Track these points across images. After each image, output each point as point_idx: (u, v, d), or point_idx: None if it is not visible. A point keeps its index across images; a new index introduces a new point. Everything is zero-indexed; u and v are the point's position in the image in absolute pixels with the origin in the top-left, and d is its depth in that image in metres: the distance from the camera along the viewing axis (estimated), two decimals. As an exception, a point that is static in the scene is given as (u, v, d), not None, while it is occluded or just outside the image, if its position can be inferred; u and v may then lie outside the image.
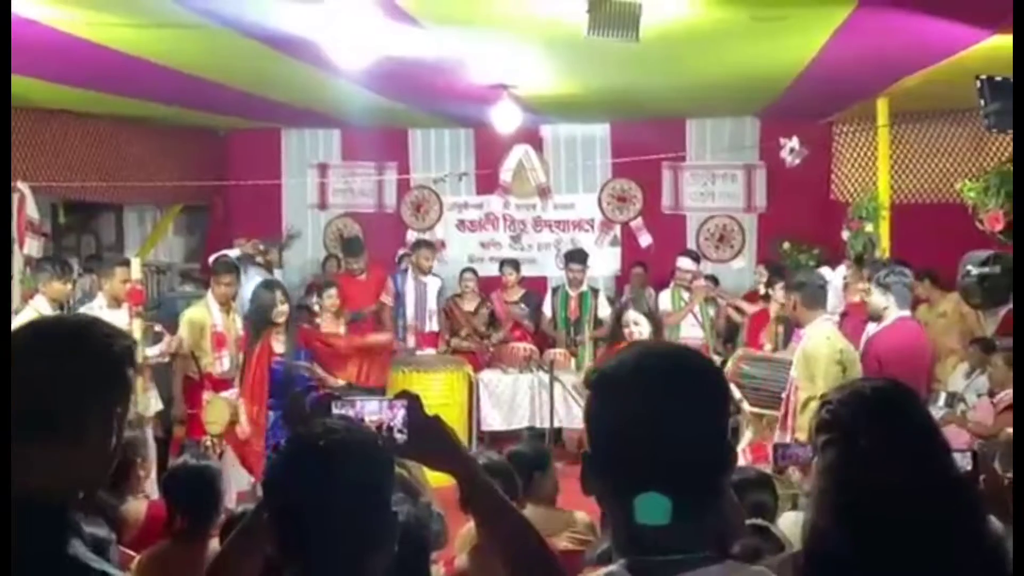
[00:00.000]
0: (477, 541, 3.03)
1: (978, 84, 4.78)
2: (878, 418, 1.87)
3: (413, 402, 1.71)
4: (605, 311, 8.47)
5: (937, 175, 8.81)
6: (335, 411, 1.72)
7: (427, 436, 1.71)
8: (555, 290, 8.84)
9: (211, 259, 8.20)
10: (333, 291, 7.91)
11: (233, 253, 8.55)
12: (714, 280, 9.14)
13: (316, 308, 8.05)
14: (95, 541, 1.90)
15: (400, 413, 1.69)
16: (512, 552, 1.72)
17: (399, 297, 8.71)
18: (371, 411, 1.69)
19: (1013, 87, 4.59)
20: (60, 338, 1.56)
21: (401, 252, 9.78)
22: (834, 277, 7.89)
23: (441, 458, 1.76)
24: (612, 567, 1.31)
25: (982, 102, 4.81)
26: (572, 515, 3.77)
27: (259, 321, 6.41)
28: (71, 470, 1.49)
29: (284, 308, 6.31)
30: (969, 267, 4.91)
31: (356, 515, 1.47)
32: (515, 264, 9.19)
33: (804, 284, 5.16)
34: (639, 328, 5.66)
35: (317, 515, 1.46)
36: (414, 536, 2.21)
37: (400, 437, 1.67)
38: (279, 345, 6.38)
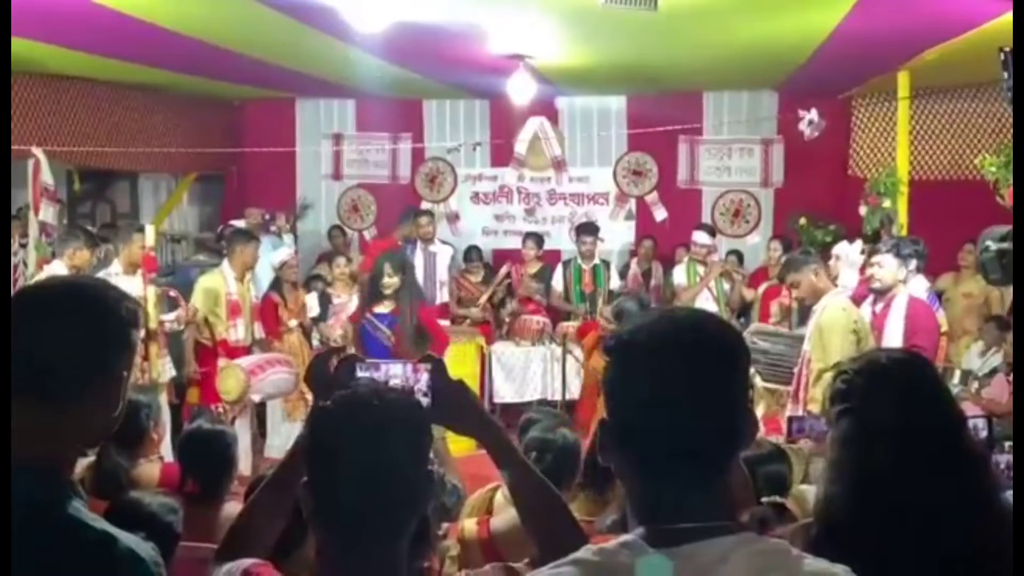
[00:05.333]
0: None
1: (1001, 56, 4.69)
2: (893, 388, 1.86)
3: (438, 366, 1.71)
4: (616, 283, 8.48)
5: (957, 150, 8.72)
6: (359, 373, 1.71)
7: (452, 400, 1.71)
8: (567, 263, 8.80)
9: (225, 230, 8.23)
10: (342, 260, 8.01)
11: (240, 224, 8.59)
12: (738, 257, 9.10)
13: (328, 278, 8.13)
14: None
15: (424, 377, 1.68)
16: (537, 516, 1.74)
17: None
18: (395, 374, 1.68)
19: (1013, 73, 4.51)
20: (69, 299, 1.53)
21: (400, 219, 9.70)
22: (851, 251, 7.84)
23: (466, 423, 1.76)
24: (628, 536, 1.30)
25: (1005, 75, 4.72)
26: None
27: (372, 289, 6.41)
28: (74, 431, 1.49)
29: (391, 280, 6.28)
30: (988, 242, 4.83)
31: (405, 474, 1.46)
32: (537, 238, 9.17)
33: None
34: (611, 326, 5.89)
35: (367, 472, 1.43)
36: None
37: (424, 401, 1.66)
38: (382, 307, 6.29)
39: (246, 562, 1.61)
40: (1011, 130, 7.83)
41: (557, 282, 8.74)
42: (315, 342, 7.82)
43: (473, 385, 7.88)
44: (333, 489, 1.45)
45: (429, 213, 9.20)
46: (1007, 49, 4.64)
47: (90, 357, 1.49)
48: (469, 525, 3.06)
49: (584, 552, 1.30)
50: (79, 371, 1.47)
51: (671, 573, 1.23)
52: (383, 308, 6.28)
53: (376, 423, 1.46)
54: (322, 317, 7.75)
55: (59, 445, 1.47)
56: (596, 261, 8.59)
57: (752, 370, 6.14)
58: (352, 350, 6.47)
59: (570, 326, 8.33)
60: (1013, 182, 5.10)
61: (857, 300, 5.55)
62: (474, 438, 1.76)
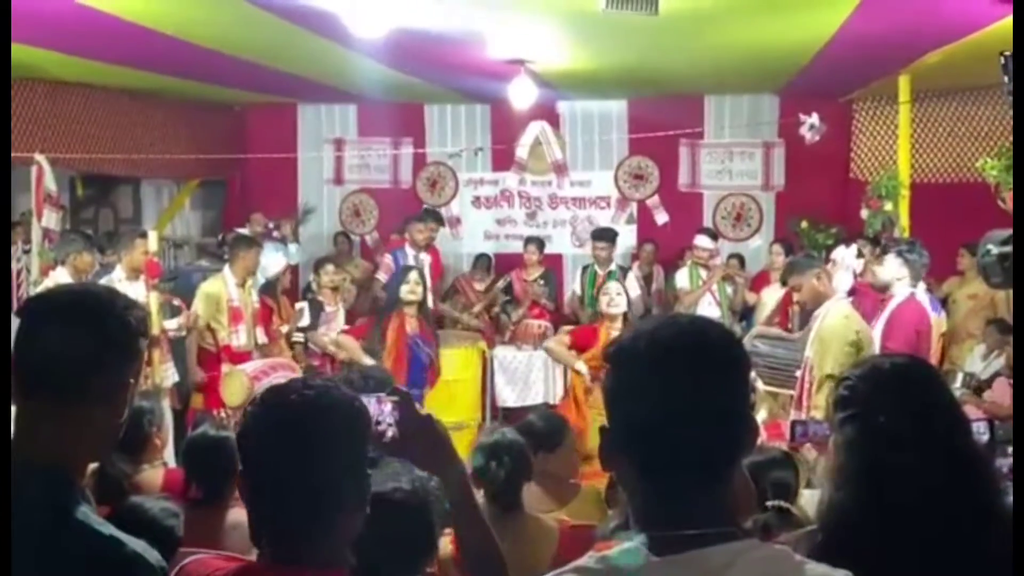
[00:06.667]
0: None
1: (1002, 60, 4.69)
2: (897, 393, 1.87)
3: (404, 399, 1.70)
4: (635, 291, 8.40)
5: (958, 153, 8.73)
6: None
7: (419, 436, 1.71)
8: (585, 268, 8.78)
9: (228, 236, 8.23)
10: (330, 267, 7.99)
11: (244, 231, 8.60)
12: (740, 260, 9.10)
13: (314, 286, 8.10)
14: None
15: (388, 408, 1.67)
16: (472, 557, 1.81)
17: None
18: None
19: (1013, 74, 4.52)
20: (78, 306, 1.57)
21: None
22: (847, 256, 7.83)
23: (430, 460, 1.76)
24: (630, 543, 1.30)
25: (1005, 78, 4.73)
26: (579, 487, 3.78)
27: (390, 298, 6.38)
28: (82, 437, 1.51)
29: (419, 288, 6.19)
30: (989, 246, 4.84)
31: (317, 472, 1.47)
32: (539, 242, 9.15)
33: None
34: (619, 299, 5.89)
35: (278, 469, 1.47)
36: (417, 511, 2.21)
37: (391, 432, 1.67)
38: (408, 325, 6.26)
39: (189, 559, 1.67)
40: (1012, 133, 7.84)
41: (576, 287, 8.72)
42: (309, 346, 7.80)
43: (475, 390, 8.00)
44: (254, 480, 1.50)
45: (430, 219, 9.12)
46: (1007, 53, 4.64)
47: (98, 363, 1.52)
48: (444, 543, 3.08)
49: (586, 559, 1.31)
50: (87, 377, 1.51)
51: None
52: (411, 326, 6.22)
53: (289, 418, 1.49)
54: (312, 326, 7.72)
55: (66, 449, 1.49)
56: (612, 267, 8.56)
57: (753, 373, 6.15)
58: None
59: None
60: (1013, 185, 5.11)
61: (873, 306, 5.56)
62: (435, 473, 1.77)
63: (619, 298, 5.98)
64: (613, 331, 5.84)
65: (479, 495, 3.16)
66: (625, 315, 5.96)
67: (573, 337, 6.30)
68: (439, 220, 9.21)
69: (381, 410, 1.66)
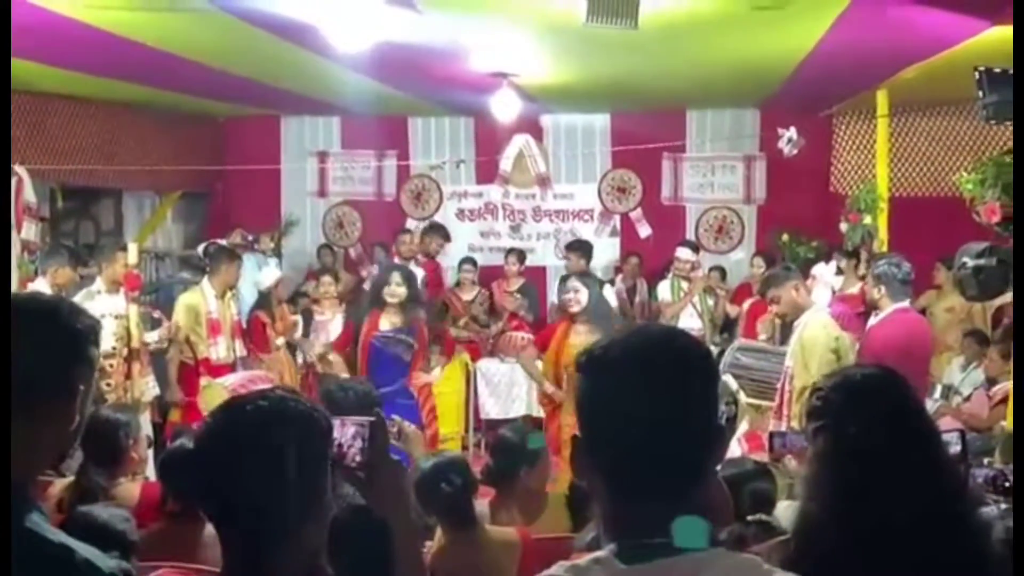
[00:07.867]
0: (442, 542, 3.07)
1: (977, 75, 4.76)
2: (867, 404, 1.88)
3: (376, 427, 1.67)
4: (611, 303, 8.42)
5: (936, 167, 8.81)
6: None
7: (377, 471, 1.68)
8: (563, 279, 8.78)
9: (210, 247, 8.21)
10: (328, 278, 8.05)
11: (223, 243, 8.59)
12: (721, 273, 9.14)
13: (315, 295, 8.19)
14: None
15: (350, 432, 1.64)
16: None
17: None
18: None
19: (1013, 80, 4.57)
20: (26, 315, 1.55)
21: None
22: (826, 272, 7.91)
23: (382, 499, 1.73)
24: (600, 552, 1.30)
25: (980, 93, 4.79)
26: (547, 495, 3.80)
27: (372, 298, 6.35)
28: (29, 445, 1.49)
29: (399, 289, 6.13)
30: (965, 259, 4.91)
31: (270, 482, 1.47)
32: (520, 254, 9.17)
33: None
34: (579, 295, 5.92)
35: (231, 479, 1.47)
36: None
37: (352, 454, 1.63)
38: (386, 323, 6.19)
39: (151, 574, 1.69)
40: (988, 147, 7.94)
41: (555, 298, 8.73)
42: (298, 358, 7.82)
43: (459, 402, 7.99)
44: (214, 492, 1.49)
45: (408, 232, 9.18)
46: (982, 68, 4.71)
47: (43, 371, 1.50)
48: None
49: (556, 569, 1.31)
50: (32, 385, 1.49)
51: None
52: (390, 323, 6.17)
53: (241, 428, 1.50)
54: (304, 334, 7.76)
55: (19, 458, 1.46)
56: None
57: (736, 386, 6.17)
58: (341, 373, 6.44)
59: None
60: (1013, 192, 5.15)
61: (849, 319, 5.59)
62: (383, 515, 1.75)
63: (578, 295, 6.02)
64: (574, 331, 5.95)
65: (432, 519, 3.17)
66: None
67: (538, 342, 6.40)
68: (442, 234, 9.21)
69: (343, 432, 1.63)
